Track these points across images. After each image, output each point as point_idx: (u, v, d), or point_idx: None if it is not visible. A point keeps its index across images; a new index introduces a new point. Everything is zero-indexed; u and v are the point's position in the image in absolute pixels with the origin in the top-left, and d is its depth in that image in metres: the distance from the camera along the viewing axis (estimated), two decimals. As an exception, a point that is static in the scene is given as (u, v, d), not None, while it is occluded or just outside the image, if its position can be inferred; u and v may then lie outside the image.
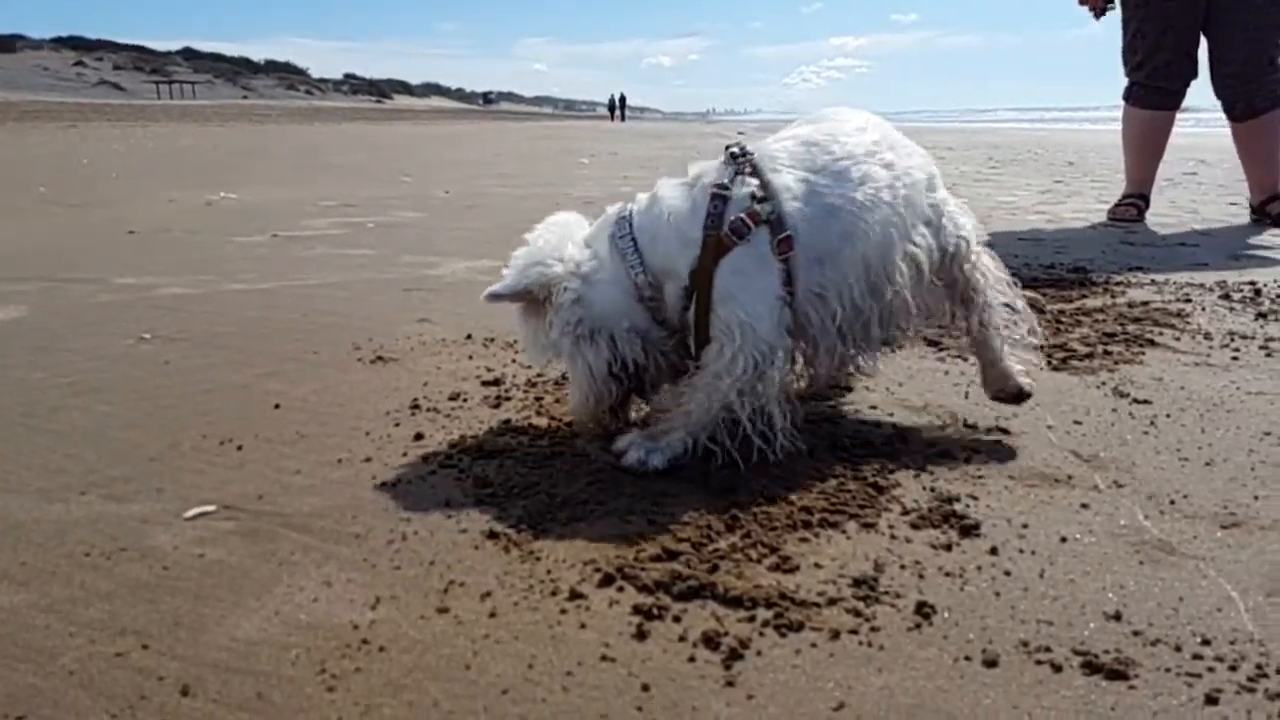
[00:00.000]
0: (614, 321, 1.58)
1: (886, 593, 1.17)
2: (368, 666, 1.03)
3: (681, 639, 1.07)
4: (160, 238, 4.30)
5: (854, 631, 1.08)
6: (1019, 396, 1.72)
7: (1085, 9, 4.58)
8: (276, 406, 1.90)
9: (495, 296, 1.60)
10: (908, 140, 1.69)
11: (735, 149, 1.58)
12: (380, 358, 2.26)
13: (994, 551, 1.27)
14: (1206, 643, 1.05)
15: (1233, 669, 1.00)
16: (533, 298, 1.60)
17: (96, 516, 1.40)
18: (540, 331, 1.61)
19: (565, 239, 1.63)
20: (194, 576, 1.22)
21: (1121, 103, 4.63)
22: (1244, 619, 1.10)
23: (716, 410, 1.49)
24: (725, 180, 1.53)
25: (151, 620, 1.12)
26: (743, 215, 1.49)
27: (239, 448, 1.67)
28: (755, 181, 1.52)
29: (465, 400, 1.93)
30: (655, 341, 1.60)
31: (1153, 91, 4.46)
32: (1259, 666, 1.00)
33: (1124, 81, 4.59)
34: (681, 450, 1.52)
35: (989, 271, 1.73)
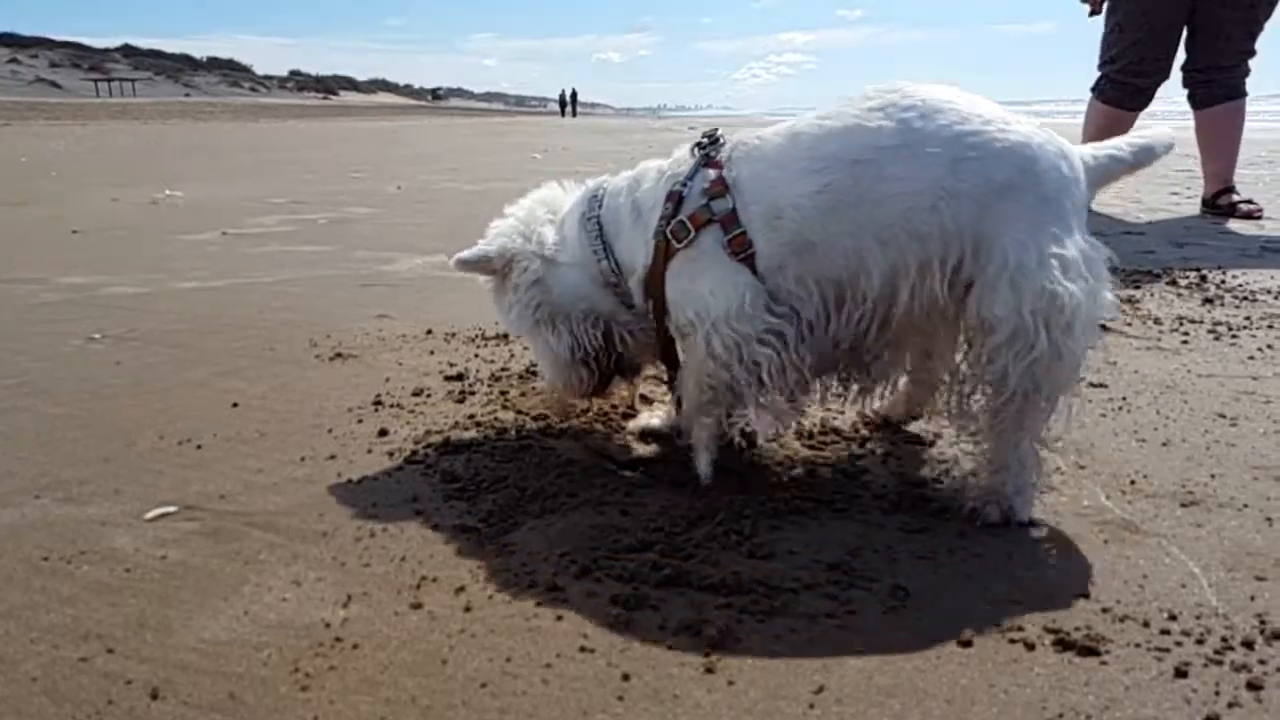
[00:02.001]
0: (571, 306, 1.54)
1: (861, 577, 1.17)
2: (342, 664, 1.01)
3: (660, 627, 1.07)
4: (105, 236, 4.19)
5: (831, 615, 1.09)
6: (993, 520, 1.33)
7: (1083, 5, 4.60)
8: (234, 405, 1.86)
9: (461, 263, 1.58)
10: (991, 141, 1.25)
11: (704, 138, 1.44)
12: (339, 354, 2.23)
13: (963, 535, 1.29)
14: (1173, 618, 1.07)
15: (1200, 642, 1.03)
16: (495, 269, 1.57)
17: (53, 520, 1.36)
18: (506, 309, 1.60)
19: (542, 216, 1.59)
20: (158, 578, 1.19)
21: (1089, 95, 4.65)
22: (1207, 594, 1.13)
23: (714, 385, 1.37)
24: (684, 177, 1.41)
25: (116, 623, 1.09)
26: (685, 219, 1.38)
27: (198, 447, 1.63)
28: (714, 174, 1.39)
29: (429, 395, 1.91)
30: (623, 324, 1.55)
31: (1119, 87, 4.47)
32: (1224, 639, 1.03)
33: (1080, 77, 4.62)
34: (706, 437, 1.43)
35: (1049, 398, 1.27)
